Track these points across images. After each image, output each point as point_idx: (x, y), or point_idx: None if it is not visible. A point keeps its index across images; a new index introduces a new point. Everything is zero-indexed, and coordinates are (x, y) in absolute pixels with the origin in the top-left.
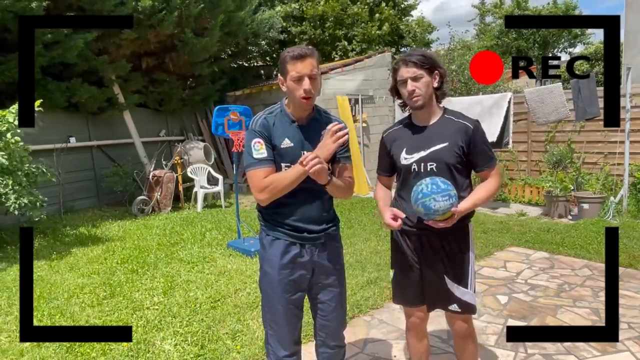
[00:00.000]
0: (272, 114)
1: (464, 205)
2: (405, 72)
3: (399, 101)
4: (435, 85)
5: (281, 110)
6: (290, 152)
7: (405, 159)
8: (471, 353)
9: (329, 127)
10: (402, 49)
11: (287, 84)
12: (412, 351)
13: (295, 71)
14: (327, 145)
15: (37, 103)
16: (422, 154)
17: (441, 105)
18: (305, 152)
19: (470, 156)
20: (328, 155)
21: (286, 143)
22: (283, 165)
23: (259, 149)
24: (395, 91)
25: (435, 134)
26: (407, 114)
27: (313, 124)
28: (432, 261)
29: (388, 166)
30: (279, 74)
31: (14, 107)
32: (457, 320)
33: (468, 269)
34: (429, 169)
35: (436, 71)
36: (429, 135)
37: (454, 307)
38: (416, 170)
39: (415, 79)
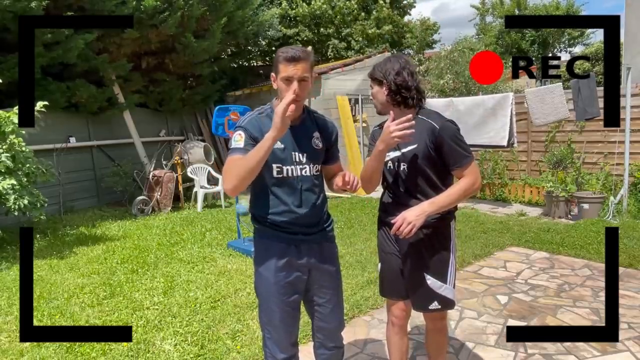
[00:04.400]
0: (262, 114)
1: (429, 207)
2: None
3: None
4: (385, 93)
5: (272, 110)
6: (281, 153)
7: (387, 155)
8: (443, 346)
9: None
10: (404, 50)
11: (277, 83)
12: (394, 349)
13: (286, 73)
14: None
15: (41, 105)
16: (397, 153)
17: (422, 108)
18: (294, 154)
19: (440, 155)
20: (281, 124)
21: (277, 144)
22: (274, 166)
23: (238, 140)
24: None
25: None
26: None
27: (303, 125)
28: (409, 256)
29: None
30: (273, 73)
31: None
32: (435, 317)
33: (448, 264)
34: (401, 169)
35: (384, 81)
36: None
37: (435, 305)
38: (391, 167)
39: (371, 87)
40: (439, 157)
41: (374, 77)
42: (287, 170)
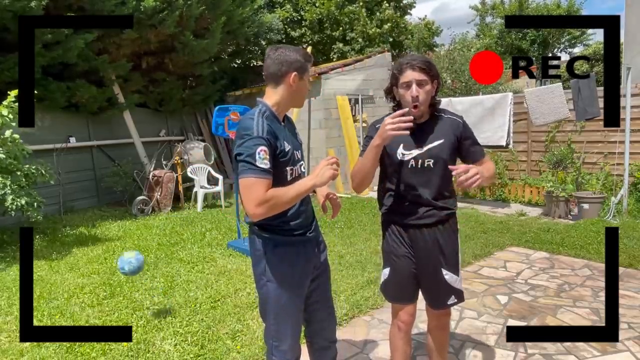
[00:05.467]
0: (265, 115)
1: (483, 173)
2: (411, 75)
3: (392, 104)
4: (433, 94)
5: (270, 112)
6: (290, 155)
7: (403, 154)
8: (446, 345)
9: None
10: (405, 50)
11: (303, 82)
12: (398, 354)
13: (311, 72)
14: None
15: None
16: (420, 151)
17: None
18: (296, 152)
19: (462, 149)
20: (327, 181)
21: (287, 146)
22: (288, 169)
23: (264, 158)
24: (389, 93)
25: (430, 131)
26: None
27: (288, 123)
28: (427, 256)
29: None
30: (293, 71)
31: (7, 101)
32: (444, 313)
33: (459, 257)
34: (425, 166)
35: (436, 80)
36: (424, 133)
37: (452, 299)
38: (414, 166)
39: (420, 84)
40: (457, 151)
41: (432, 73)
42: (294, 170)
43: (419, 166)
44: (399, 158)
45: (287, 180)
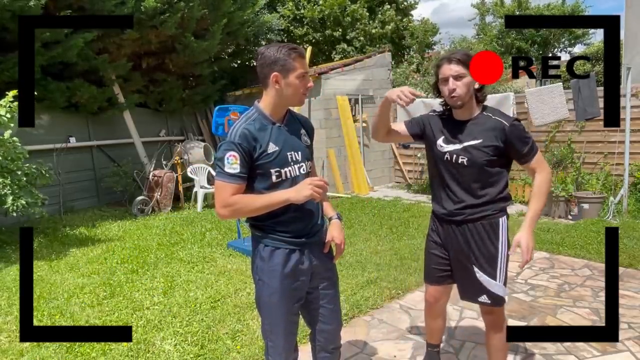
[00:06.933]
0: (249, 119)
1: (532, 223)
2: (448, 69)
3: (440, 100)
4: (477, 86)
5: (259, 114)
6: (277, 156)
7: (441, 146)
8: (497, 344)
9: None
10: (406, 50)
11: (289, 80)
12: (427, 327)
13: (302, 68)
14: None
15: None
16: (457, 146)
17: (481, 104)
18: (290, 154)
19: (508, 152)
20: (303, 199)
21: (272, 148)
22: (272, 171)
23: (232, 163)
24: (436, 88)
25: (471, 129)
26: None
27: (290, 124)
28: (457, 252)
29: (415, 128)
30: (273, 71)
31: (5, 101)
32: (486, 312)
33: (497, 260)
34: (460, 162)
35: None
36: (465, 130)
37: (484, 298)
38: (449, 159)
39: (457, 77)
40: (504, 155)
41: (467, 62)
42: (286, 172)
43: (453, 161)
44: (438, 149)
45: (273, 182)
